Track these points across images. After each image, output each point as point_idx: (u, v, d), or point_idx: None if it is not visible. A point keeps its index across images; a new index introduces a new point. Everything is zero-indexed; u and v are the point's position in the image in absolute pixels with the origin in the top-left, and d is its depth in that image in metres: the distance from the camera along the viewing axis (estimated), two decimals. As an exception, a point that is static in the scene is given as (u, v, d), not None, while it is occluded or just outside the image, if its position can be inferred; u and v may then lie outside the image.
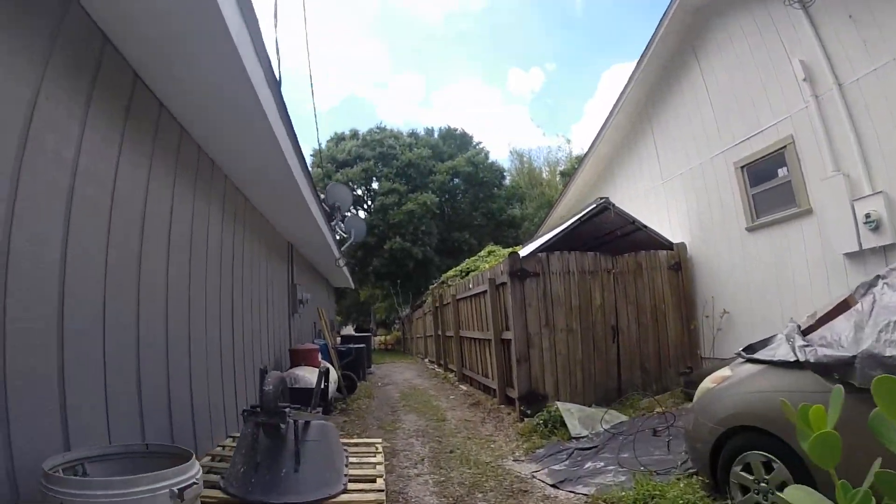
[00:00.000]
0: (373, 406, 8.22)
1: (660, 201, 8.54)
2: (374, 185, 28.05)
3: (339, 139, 31.39)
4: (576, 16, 69.41)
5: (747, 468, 3.00)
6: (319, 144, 31.60)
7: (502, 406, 7.14)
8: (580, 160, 10.48)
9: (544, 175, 36.93)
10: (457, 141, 33.59)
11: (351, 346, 10.90)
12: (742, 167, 6.70)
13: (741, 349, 3.57)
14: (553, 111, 67.68)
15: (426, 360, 16.87)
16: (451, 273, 12.77)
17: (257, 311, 6.23)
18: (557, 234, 7.23)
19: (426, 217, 25.87)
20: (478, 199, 31.02)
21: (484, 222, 30.07)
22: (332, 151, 29.68)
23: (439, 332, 13.34)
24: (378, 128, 31.96)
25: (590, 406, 6.24)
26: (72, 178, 2.35)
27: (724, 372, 3.51)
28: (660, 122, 8.50)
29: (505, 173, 33.62)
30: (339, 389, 8.93)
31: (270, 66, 3.44)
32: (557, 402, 5.89)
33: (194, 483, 1.81)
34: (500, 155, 55.22)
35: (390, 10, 76.67)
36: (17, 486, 1.86)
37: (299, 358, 7.13)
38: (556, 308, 6.46)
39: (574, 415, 5.70)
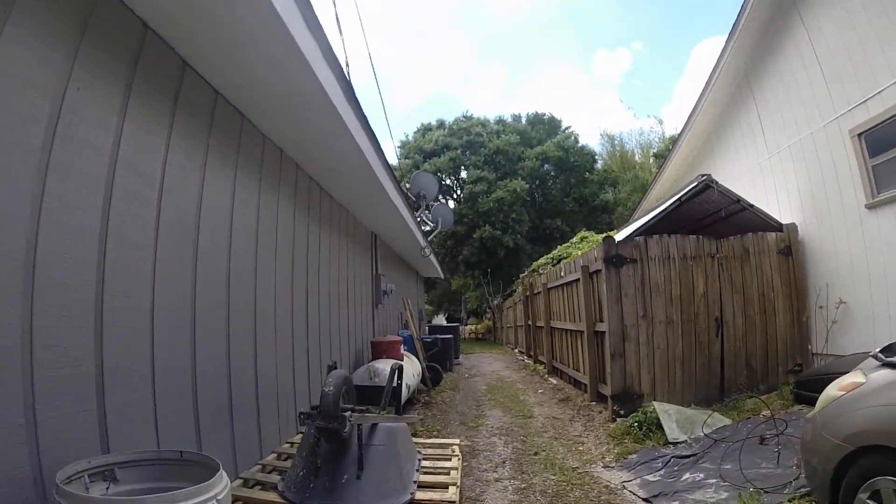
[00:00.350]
0: (457, 399, 7.98)
1: (765, 179, 7.46)
2: (463, 174, 27.87)
3: (425, 130, 31.54)
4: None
5: (876, 496, 2.37)
6: (406, 135, 32.05)
7: (593, 403, 6.58)
8: (674, 140, 9.45)
9: (637, 158, 34.74)
10: (545, 126, 32.46)
11: (438, 336, 10.75)
12: (859, 135, 5.72)
13: (878, 350, 2.86)
14: (642, 93, 63.82)
15: (516, 350, 16.44)
16: (541, 261, 12.20)
17: (336, 303, 6.18)
18: (655, 217, 6.47)
19: (516, 204, 25.22)
20: (569, 185, 29.81)
21: (576, 208, 28.83)
22: (418, 142, 29.91)
23: (529, 323, 12.84)
24: (465, 117, 31.70)
25: (689, 407, 5.53)
26: (111, 167, 2.25)
27: (855, 377, 2.80)
28: (762, 91, 7.44)
29: (596, 157, 31.96)
30: (423, 381, 8.80)
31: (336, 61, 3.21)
32: (654, 403, 5.25)
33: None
34: (590, 139, 53.17)
35: (472, 2, 75.86)
36: (44, 490, 1.76)
37: (381, 350, 7.03)
38: (655, 298, 5.77)
39: (672, 417, 5.04)
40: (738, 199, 6.53)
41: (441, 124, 31.44)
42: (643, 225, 6.47)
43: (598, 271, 6.41)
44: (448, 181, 29.31)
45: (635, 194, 29.97)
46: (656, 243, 5.87)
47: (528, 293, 13.03)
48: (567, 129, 32.42)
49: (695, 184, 6.39)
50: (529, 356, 13.08)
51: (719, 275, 6.03)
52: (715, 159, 8.84)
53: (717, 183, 6.41)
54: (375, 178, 5.37)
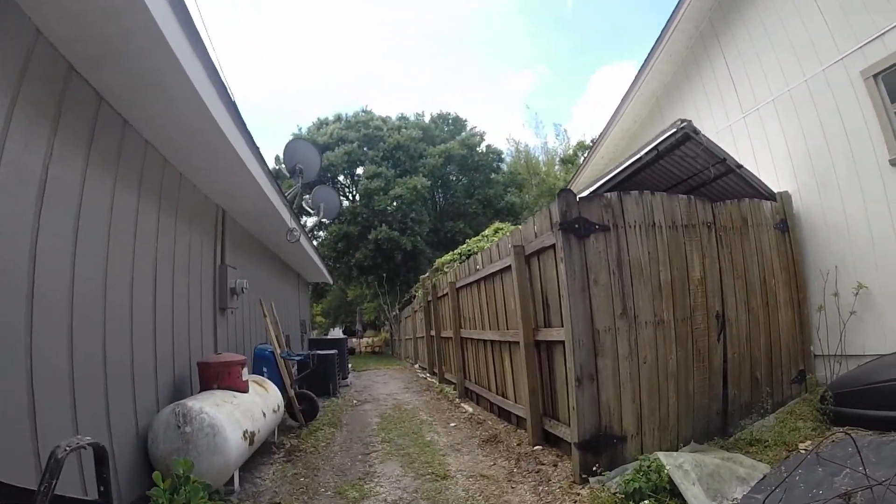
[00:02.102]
0: (336, 443, 5.55)
1: (739, 144, 6.04)
2: (359, 171, 25.26)
3: (321, 124, 28.59)
4: (565, 17, 67.57)
5: None
6: (299, 128, 28.89)
7: (539, 449, 4.49)
8: (616, 110, 7.87)
9: (542, 167, 34.56)
10: (450, 125, 30.88)
11: (314, 352, 8.18)
12: (875, 76, 4.49)
13: None
14: (545, 111, 66.32)
15: (416, 365, 14.19)
16: (446, 258, 10.15)
17: (135, 303, 3.55)
18: (624, 171, 4.59)
19: (417, 203, 23.12)
20: (473, 186, 28.38)
21: (480, 210, 27.36)
22: (312, 135, 26.89)
23: (432, 333, 10.66)
24: (364, 111, 29.20)
25: (683, 444, 3.69)
26: None
27: None
28: (734, 39, 6.13)
29: (503, 156, 31.02)
30: (292, 415, 6.27)
31: None
32: (659, 454, 3.24)
33: None
34: (494, 144, 52.86)
35: (384, 13, 74.08)
36: None
37: (210, 376, 4.44)
38: (638, 285, 3.82)
39: (690, 474, 3.07)
40: (724, 158, 4.91)
41: (338, 118, 28.67)
42: (608, 181, 4.55)
43: (541, 250, 4.41)
44: (342, 178, 26.56)
45: (542, 198, 29.36)
46: (636, 203, 3.94)
47: (430, 297, 10.86)
48: (473, 129, 31.09)
49: (673, 131, 4.59)
50: (433, 373, 10.88)
51: (718, 252, 4.25)
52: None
53: (699, 133, 4.67)
54: (214, 123, 2.91)
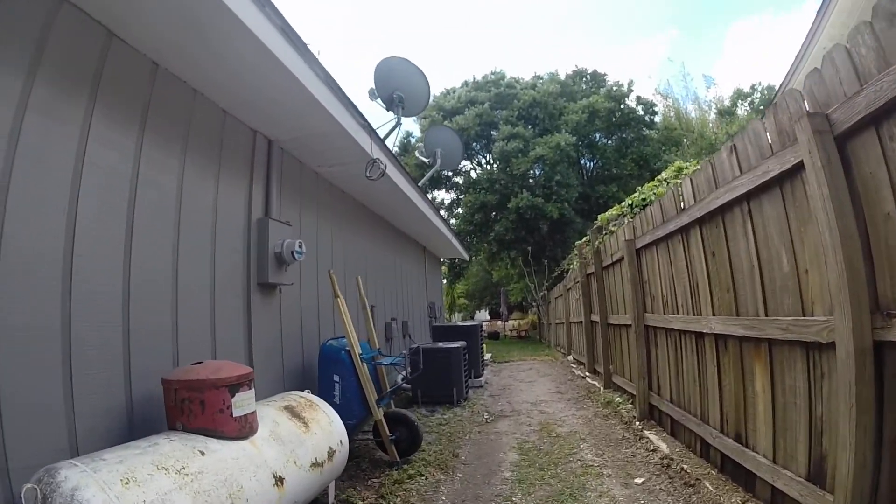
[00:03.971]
0: (437, 515, 3.22)
1: None
2: (493, 133, 22.76)
3: (447, 92, 26.60)
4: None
5: None
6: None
7: None
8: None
9: (694, 123, 28.85)
10: (589, 82, 26.83)
11: (432, 346, 6.01)
12: None
13: None
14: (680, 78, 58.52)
15: (569, 357, 11.45)
16: (612, 212, 7.26)
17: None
18: None
19: (561, 164, 20.03)
20: (624, 144, 24.34)
21: (635, 171, 23.25)
22: (438, 102, 25.06)
23: (593, 318, 7.87)
24: (493, 73, 26.54)
25: None
26: None
27: None
28: None
29: (656, 108, 26.23)
30: (380, 445, 4.14)
31: None
32: None
33: None
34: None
35: None
36: None
37: (172, 406, 2.34)
38: None
39: None
40: None
41: (465, 83, 26.50)
42: None
43: None
44: (475, 145, 24.34)
45: (702, 157, 24.23)
46: None
47: (589, 269, 8.06)
48: (616, 83, 26.70)
49: None
50: (594, 372, 8.11)
51: None
52: None
53: None
54: None
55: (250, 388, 2.63)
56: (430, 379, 6.55)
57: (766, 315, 2.84)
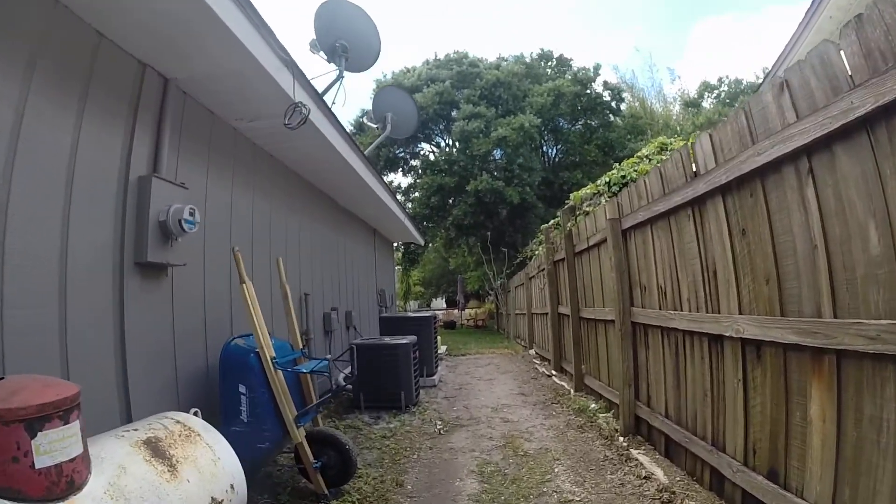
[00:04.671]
0: None
1: None
2: (453, 114, 21.73)
3: (406, 71, 25.27)
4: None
5: None
6: (384, 75, 25.95)
7: None
8: None
9: (657, 113, 28.88)
10: (555, 65, 26.08)
11: (374, 341, 5.08)
12: None
13: None
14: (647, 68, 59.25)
15: (532, 351, 10.73)
16: (586, 191, 6.42)
17: None
18: None
19: (525, 146, 19.25)
20: (589, 130, 23.89)
21: (600, 158, 22.80)
22: (397, 80, 23.80)
23: (562, 310, 7.11)
24: (455, 52, 25.40)
25: None
26: None
27: None
28: None
29: (622, 93, 25.85)
30: (303, 473, 3.18)
31: None
32: None
33: None
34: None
35: None
36: None
37: None
38: None
39: None
40: None
41: (426, 62, 25.30)
42: None
43: None
44: (434, 126, 23.27)
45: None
46: None
47: (557, 255, 7.27)
48: (583, 67, 26.03)
49: None
50: (562, 370, 7.36)
51: None
52: None
53: None
54: None
55: (70, 421, 1.64)
56: (375, 380, 5.63)
57: (836, 316, 2.03)
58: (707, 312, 3.05)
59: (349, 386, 5.90)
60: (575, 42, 67.72)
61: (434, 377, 7.35)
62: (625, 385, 4.23)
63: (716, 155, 2.89)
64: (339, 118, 4.95)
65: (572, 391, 6.16)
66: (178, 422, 2.38)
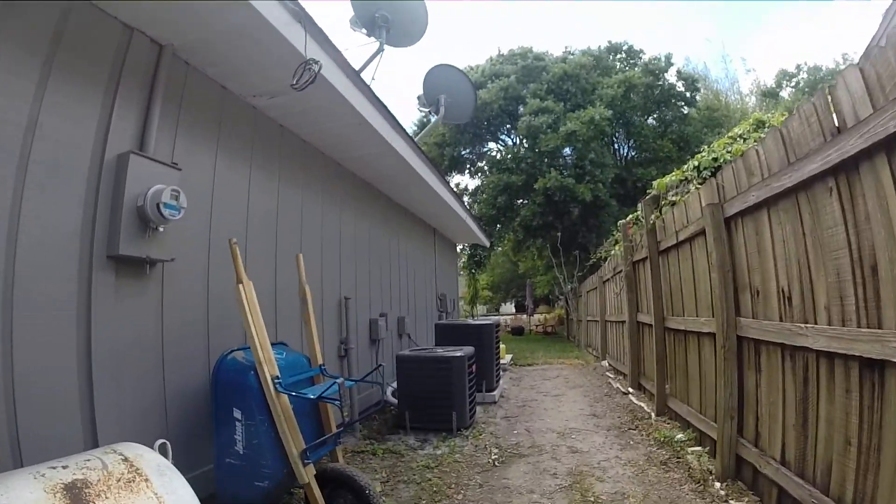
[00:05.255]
0: None
1: None
2: (520, 109, 20.80)
3: (470, 70, 24.55)
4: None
5: None
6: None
7: None
8: None
9: (732, 106, 26.58)
10: (624, 56, 24.48)
11: (417, 355, 4.45)
12: None
13: None
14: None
15: (604, 362, 9.71)
16: (671, 177, 5.48)
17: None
18: None
19: (596, 140, 18.03)
20: (663, 123, 22.17)
21: (675, 153, 21.08)
22: (462, 76, 23.18)
23: (642, 319, 6.17)
24: (520, 48, 24.40)
25: None
26: None
27: None
28: None
29: (698, 83, 23.84)
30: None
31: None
32: None
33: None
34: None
35: None
36: None
37: None
38: None
39: None
40: None
41: (490, 59, 24.51)
42: None
43: None
44: (500, 125, 22.41)
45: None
46: None
47: (636, 255, 6.33)
48: (654, 57, 24.23)
49: None
50: (640, 388, 6.39)
51: None
52: None
53: None
54: None
55: None
56: (423, 398, 4.98)
57: None
58: (859, 327, 2.14)
59: (393, 400, 5.30)
60: (642, 36, 64.63)
61: (494, 392, 6.59)
62: (725, 417, 3.31)
63: (872, 96, 1.99)
64: (383, 100, 4.36)
65: (653, 414, 5.21)
66: (125, 459, 1.81)
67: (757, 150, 3.00)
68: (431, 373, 4.94)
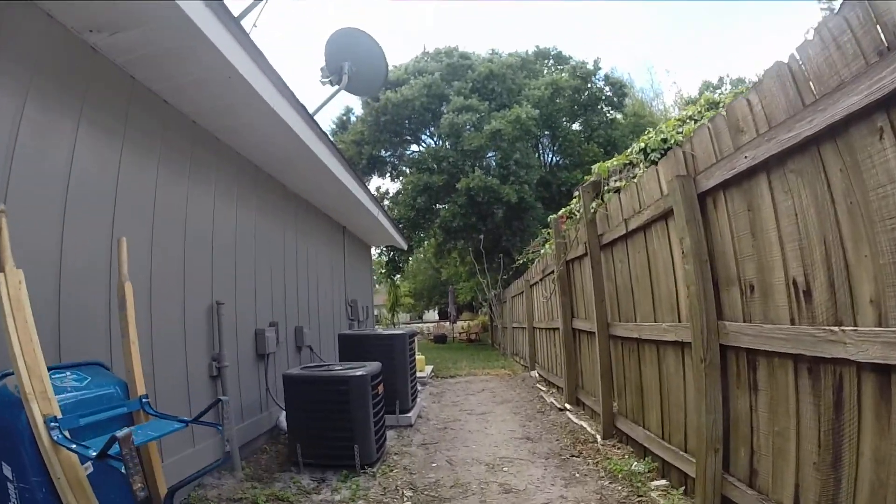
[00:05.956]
0: None
1: None
2: (443, 108, 20.11)
3: (394, 69, 23.56)
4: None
5: None
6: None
7: None
8: None
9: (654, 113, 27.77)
10: (553, 61, 24.62)
11: (302, 374, 3.44)
12: None
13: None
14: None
15: (533, 372, 9.07)
16: (615, 161, 4.81)
17: None
18: None
19: (522, 141, 17.66)
20: (590, 127, 22.42)
21: (601, 157, 21.28)
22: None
23: (579, 326, 5.50)
24: (446, 47, 23.82)
25: None
26: None
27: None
28: None
29: (626, 88, 24.44)
30: None
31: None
32: None
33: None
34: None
35: None
36: None
37: None
38: None
39: None
40: None
41: (415, 58, 23.73)
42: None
43: None
44: (421, 124, 21.64)
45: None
46: None
47: (571, 253, 5.66)
48: (582, 61, 24.49)
49: None
50: (578, 403, 5.70)
51: None
52: None
53: None
54: None
55: None
56: (318, 427, 3.97)
57: None
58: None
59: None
60: (569, 45, 66.98)
61: (410, 413, 5.66)
62: (707, 449, 2.58)
63: None
64: (265, 52, 3.33)
65: (598, 437, 4.50)
66: None
67: (748, 100, 2.31)
68: (327, 396, 3.93)
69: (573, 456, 4.23)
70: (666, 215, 3.04)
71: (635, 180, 3.79)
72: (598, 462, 3.96)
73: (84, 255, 2.68)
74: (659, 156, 4.43)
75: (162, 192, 3.39)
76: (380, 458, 4.19)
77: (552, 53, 24.91)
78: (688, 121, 5.02)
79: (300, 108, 4.23)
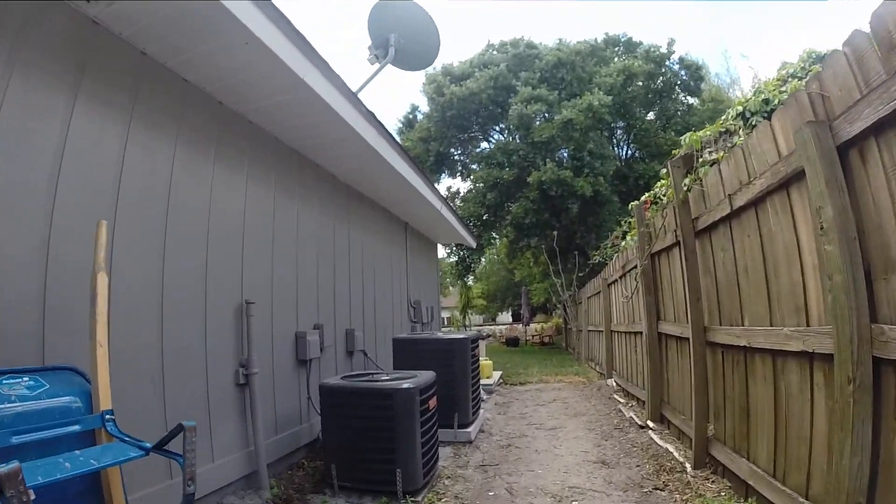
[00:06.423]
0: None
1: None
2: (510, 100, 19.37)
3: (461, 63, 23.06)
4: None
5: None
6: (434, 68, 24.04)
7: None
8: None
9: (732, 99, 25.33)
10: (623, 48, 23.12)
11: (339, 385, 3.00)
12: None
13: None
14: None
15: (610, 381, 8.22)
16: (708, 130, 4.02)
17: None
18: None
19: (596, 129, 16.62)
20: (667, 114, 20.90)
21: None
22: (446, 66, 21.70)
23: (667, 330, 4.72)
24: (512, 39, 22.98)
25: None
26: None
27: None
28: None
29: (702, 72, 22.53)
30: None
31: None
32: None
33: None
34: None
35: None
36: None
37: None
38: None
39: None
40: None
41: (479, 52, 23.12)
42: None
43: None
44: (488, 117, 20.96)
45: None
46: None
47: (657, 245, 4.89)
48: (654, 45, 22.82)
49: None
50: (662, 421, 4.90)
51: None
52: None
53: None
54: None
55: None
56: (356, 445, 3.50)
57: None
58: None
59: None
60: (639, 33, 64.33)
61: (470, 429, 5.09)
62: (848, 500, 1.84)
63: None
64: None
65: (688, 466, 3.72)
66: None
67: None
68: (367, 411, 3.45)
69: (657, 489, 3.49)
70: (787, 182, 2.29)
71: (739, 144, 3.02)
72: (687, 500, 3.21)
73: (79, 248, 2.34)
74: (763, 117, 3.61)
75: (178, 178, 3.05)
76: (427, 484, 3.65)
77: (622, 40, 23.39)
78: (789, 79, 4.13)
79: (346, 91, 3.79)
